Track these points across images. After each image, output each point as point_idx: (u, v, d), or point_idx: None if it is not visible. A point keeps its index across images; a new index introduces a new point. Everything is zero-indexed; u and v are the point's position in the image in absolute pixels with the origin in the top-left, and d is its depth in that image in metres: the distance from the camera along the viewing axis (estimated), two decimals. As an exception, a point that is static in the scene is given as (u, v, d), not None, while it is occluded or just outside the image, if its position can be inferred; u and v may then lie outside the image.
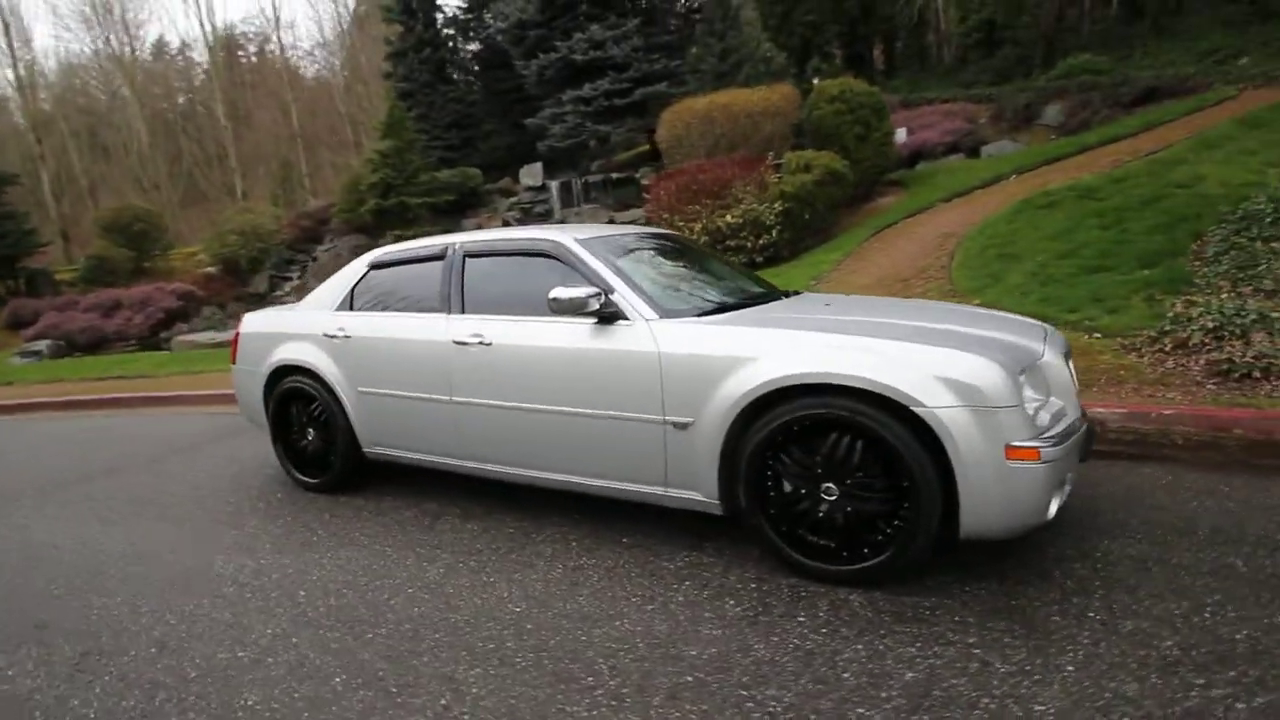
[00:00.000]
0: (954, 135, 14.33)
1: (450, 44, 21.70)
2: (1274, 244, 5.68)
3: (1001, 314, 3.31)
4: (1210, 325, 4.60)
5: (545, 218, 16.80)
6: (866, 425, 2.27)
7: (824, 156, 10.11)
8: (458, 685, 2.03)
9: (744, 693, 1.90)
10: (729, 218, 9.40)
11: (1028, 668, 1.93)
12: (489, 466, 3.24)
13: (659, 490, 2.78)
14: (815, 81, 13.67)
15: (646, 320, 2.75)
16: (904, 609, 2.26)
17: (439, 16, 21.14)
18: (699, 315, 2.80)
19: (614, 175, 17.21)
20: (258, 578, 2.88)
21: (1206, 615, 2.11)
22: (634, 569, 2.68)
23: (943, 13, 18.02)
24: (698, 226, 9.47)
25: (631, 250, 3.21)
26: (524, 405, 3.00)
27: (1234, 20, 14.74)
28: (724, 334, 2.59)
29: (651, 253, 3.30)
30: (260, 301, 17.64)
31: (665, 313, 2.78)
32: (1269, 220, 6.01)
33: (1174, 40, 15.07)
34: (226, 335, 14.82)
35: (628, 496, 2.89)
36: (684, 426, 2.61)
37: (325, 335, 3.70)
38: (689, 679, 1.98)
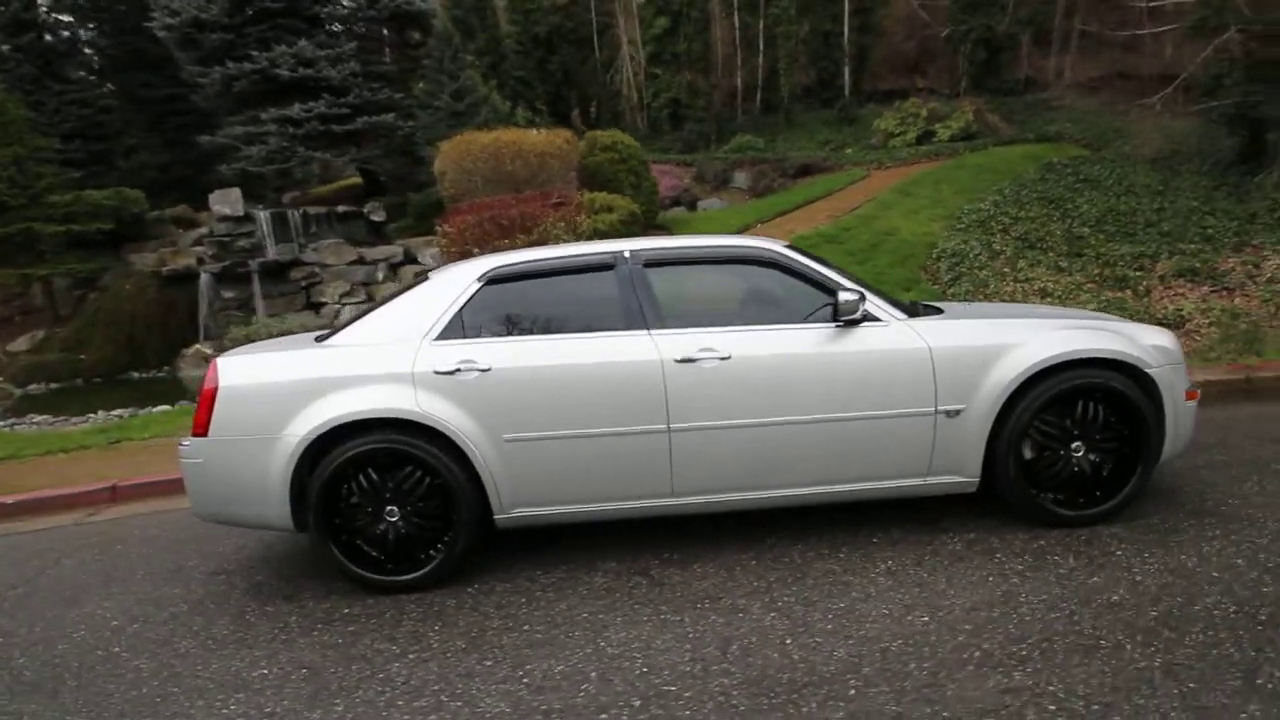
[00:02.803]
0: (675, 191, 16.62)
1: (67, 32, 16.49)
2: (984, 272, 8.30)
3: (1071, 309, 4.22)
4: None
5: (253, 254, 13.90)
6: (1114, 388, 2.86)
7: (620, 199, 10.82)
8: (1059, 698, 1.92)
9: (1215, 613, 2.25)
10: (553, 253, 9.36)
11: (1282, 544, 2.70)
12: (710, 498, 2.91)
13: (917, 481, 2.93)
14: (535, 127, 14.36)
15: (901, 320, 2.92)
16: (1149, 532, 2.87)
17: (43, -6, 15.95)
18: (930, 315, 3.07)
19: (340, 209, 15.24)
20: (571, 696, 2.09)
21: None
22: (934, 560, 2.77)
23: (633, 89, 20.70)
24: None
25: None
26: (774, 420, 2.83)
27: (831, 121, 20.38)
28: (984, 327, 2.93)
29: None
30: None
31: (911, 313, 2.98)
32: (972, 256, 8.72)
33: (800, 130, 20.09)
34: None
35: (884, 494, 2.96)
36: (955, 414, 2.85)
37: (436, 373, 2.81)
38: (1159, 622, 2.24)
